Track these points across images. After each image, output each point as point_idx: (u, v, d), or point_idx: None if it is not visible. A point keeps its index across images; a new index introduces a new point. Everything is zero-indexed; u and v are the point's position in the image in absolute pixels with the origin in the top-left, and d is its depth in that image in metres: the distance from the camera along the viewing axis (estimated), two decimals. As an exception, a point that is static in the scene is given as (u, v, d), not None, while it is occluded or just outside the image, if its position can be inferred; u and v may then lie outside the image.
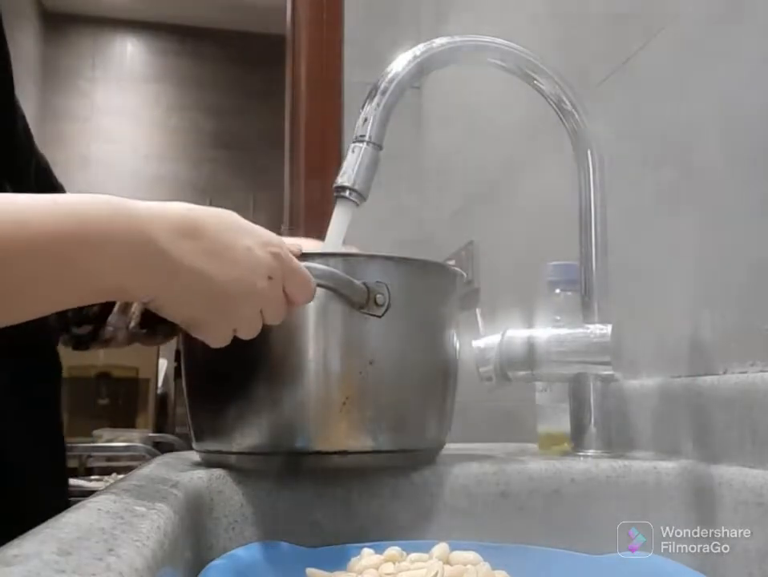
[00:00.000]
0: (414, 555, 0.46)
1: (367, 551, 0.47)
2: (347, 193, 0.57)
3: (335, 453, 0.53)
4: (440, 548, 0.47)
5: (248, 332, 0.47)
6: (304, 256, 0.50)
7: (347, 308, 0.53)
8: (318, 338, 0.53)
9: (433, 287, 0.58)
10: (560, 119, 0.68)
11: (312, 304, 0.51)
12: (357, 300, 0.52)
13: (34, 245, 0.38)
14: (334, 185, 0.58)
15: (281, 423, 0.53)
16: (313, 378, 0.52)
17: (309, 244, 0.72)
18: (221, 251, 0.44)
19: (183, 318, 0.46)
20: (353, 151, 0.58)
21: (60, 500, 0.65)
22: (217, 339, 0.47)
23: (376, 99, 0.59)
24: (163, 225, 0.42)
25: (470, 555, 0.46)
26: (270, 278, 0.46)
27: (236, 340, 0.48)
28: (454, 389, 0.60)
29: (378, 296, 0.53)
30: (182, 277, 0.43)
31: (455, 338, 0.60)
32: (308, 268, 0.49)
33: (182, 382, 0.60)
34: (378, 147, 0.58)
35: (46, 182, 0.73)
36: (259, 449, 0.53)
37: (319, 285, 0.50)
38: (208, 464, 0.56)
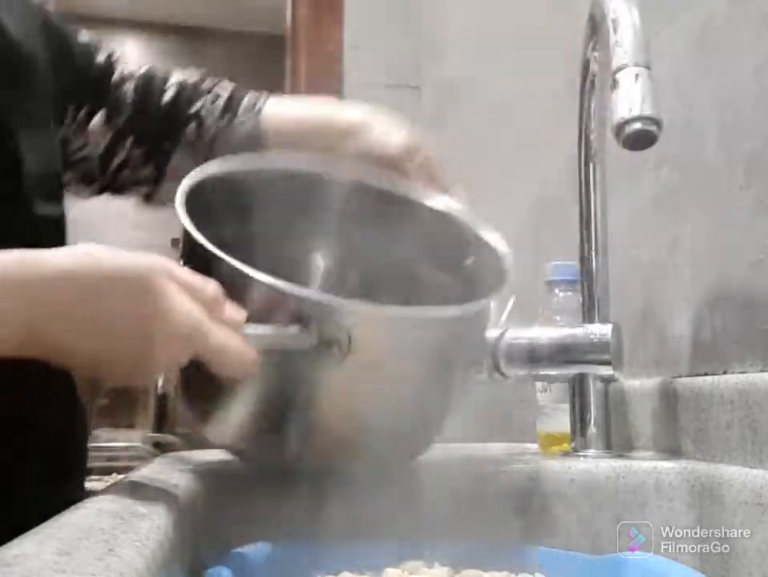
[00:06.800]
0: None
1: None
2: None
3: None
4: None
5: None
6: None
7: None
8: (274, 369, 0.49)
9: (423, 338, 0.51)
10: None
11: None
12: (307, 351, 0.46)
13: None
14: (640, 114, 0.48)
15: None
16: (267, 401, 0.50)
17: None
18: (133, 324, 0.41)
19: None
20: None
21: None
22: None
23: None
24: (70, 292, 0.41)
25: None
26: (173, 364, 0.44)
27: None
28: (446, 417, 0.57)
29: (335, 344, 0.46)
30: (72, 359, 0.42)
31: (455, 378, 0.55)
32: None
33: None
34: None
35: (68, 53, 0.69)
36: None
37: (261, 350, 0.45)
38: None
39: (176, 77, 0.74)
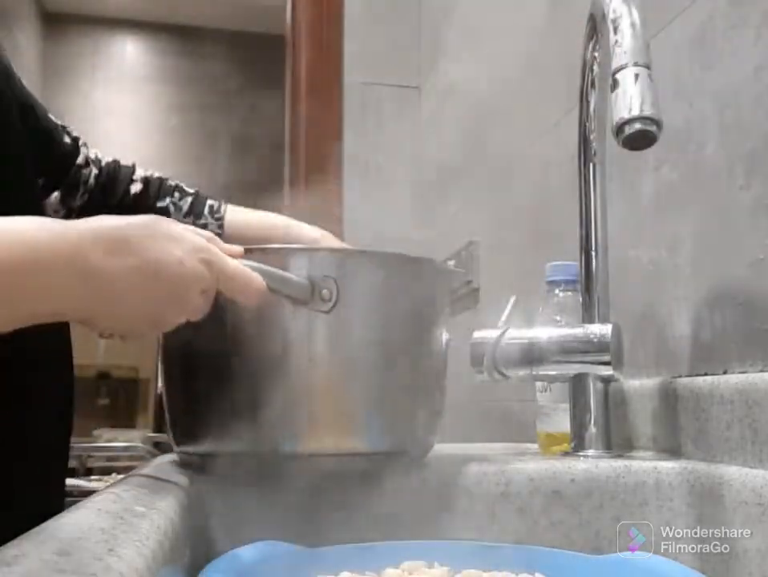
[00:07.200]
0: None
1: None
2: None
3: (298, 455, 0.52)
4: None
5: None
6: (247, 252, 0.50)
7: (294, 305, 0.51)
8: (263, 336, 0.52)
9: (398, 280, 0.55)
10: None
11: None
12: (300, 297, 0.50)
13: None
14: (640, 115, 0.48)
15: (240, 426, 0.53)
16: (259, 380, 0.52)
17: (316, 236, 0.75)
18: (152, 268, 0.44)
19: (115, 333, 0.47)
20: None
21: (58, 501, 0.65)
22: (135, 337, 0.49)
23: None
24: (94, 246, 0.42)
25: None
26: (204, 291, 0.46)
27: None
28: (436, 387, 0.58)
29: (324, 291, 0.51)
30: (115, 301, 0.43)
31: (432, 333, 0.57)
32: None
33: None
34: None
35: (35, 125, 0.71)
36: (222, 451, 0.54)
37: None
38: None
39: (142, 171, 0.80)
